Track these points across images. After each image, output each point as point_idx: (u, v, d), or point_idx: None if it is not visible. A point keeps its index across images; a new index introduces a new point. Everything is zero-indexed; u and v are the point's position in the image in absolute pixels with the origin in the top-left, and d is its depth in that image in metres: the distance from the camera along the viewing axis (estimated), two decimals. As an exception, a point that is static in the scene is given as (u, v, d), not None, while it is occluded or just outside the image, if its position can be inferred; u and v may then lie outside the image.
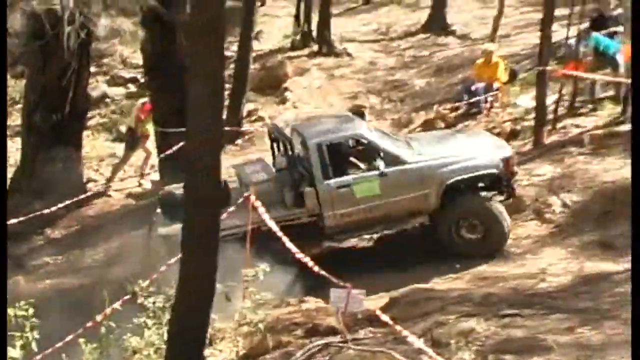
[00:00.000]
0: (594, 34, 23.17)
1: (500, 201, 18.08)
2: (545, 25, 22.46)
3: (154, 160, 23.00)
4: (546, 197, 18.86)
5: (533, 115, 22.32)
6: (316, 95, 26.16)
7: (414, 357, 12.64)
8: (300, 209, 17.07)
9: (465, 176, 17.51)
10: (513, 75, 24.40)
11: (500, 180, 17.85)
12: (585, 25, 24.11)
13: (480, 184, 18.07)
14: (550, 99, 22.52)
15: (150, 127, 22.96)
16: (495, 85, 23.70)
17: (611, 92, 23.25)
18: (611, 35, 23.22)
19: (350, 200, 17.02)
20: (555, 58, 23.46)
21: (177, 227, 15.62)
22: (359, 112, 20.44)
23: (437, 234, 18.00)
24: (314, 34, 29.55)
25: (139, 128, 23.41)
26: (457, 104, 24.25)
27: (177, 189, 17.51)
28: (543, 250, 17.83)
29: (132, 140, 23.55)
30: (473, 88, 23.85)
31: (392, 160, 17.28)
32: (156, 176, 22.90)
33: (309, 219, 17.09)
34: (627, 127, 21.15)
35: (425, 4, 31.98)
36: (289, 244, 15.36)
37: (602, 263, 16.55)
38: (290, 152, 17.71)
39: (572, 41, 23.23)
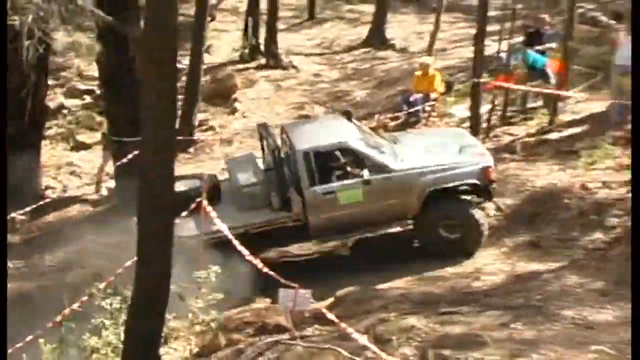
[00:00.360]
0: (527, 49, 23.31)
1: (478, 203, 18.14)
2: (478, 40, 22.65)
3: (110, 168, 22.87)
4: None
5: (468, 124, 22.45)
6: (264, 106, 26.15)
7: (359, 352, 12.70)
8: (286, 213, 17.03)
9: (446, 185, 17.40)
10: (449, 87, 24.55)
11: (479, 188, 17.73)
12: (516, 40, 24.25)
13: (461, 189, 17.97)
14: (484, 109, 22.68)
15: None
16: (433, 95, 23.79)
17: (540, 103, 23.44)
18: (543, 52, 23.33)
19: (335, 206, 16.97)
20: (487, 71, 23.56)
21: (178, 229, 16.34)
22: (347, 112, 19.72)
23: (419, 235, 17.95)
24: (262, 47, 29.53)
25: None
26: (397, 114, 24.32)
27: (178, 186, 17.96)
28: (478, 251, 17.91)
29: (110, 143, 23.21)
30: (412, 99, 23.93)
31: (377, 168, 17.13)
32: (112, 183, 22.79)
33: (295, 222, 17.01)
34: (555, 135, 21.40)
35: (366, 20, 31.98)
36: (240, 247, 15.35)
37: (533, 263, 16.66)
38: (277, 153, 17.42)
39: (503, 55, 23.41)
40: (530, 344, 13.17)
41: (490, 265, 17.11)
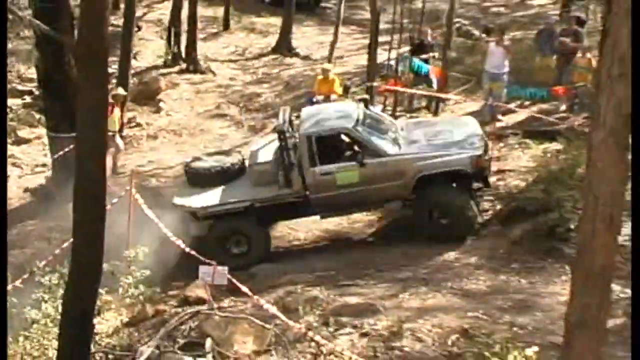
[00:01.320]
0: (413, 58, 23.43)
1: (477, 190, 17.50)
2: (371, 49, 22.71)
3: (48, 159, 22.50)
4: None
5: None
6: (185, 105, 25.91)
7: (269, 321, 12.68)
8: (289, 190, 16.67)
9: (436, 170, 16.55)
10: (346, 89, 24.47)
11: (469, 175, 16.81)
12: (404, 49, 24.36)
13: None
14: (377, 109, 22.70)
15: (114, 125, 22.42)
16: (333, 97, 23.74)
17: (424, 103, 23.60)
18: (426, 60, 23.50)
19: (333, 185, 16.48)
20: (379, 76, 23.58)
21: (187, 200, 17.18)
22: (364, 99, 19.12)
23: (415, 218, 17.07)
24: (183, 54, 29.29)
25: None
26: (300, 112, 24.29)
27: (199, 162, 18.16)
28: (372, 232, 17.90)
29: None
30: (314, 99, 23.85)
31: (373, 152, 16.50)
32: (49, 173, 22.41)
33: (297, 199, 16.68)
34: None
35: (274, 31, 31.86)
36: (165, 230, 15.19)
37: (417, 242, 16.70)
38: (283, 135, 16.82)
39: (392, 62, 23.52)
40: (416, 311, 13.26)
41: (383, 244, 17.08)
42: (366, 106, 18.42)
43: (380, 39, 23.82)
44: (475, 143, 17.06)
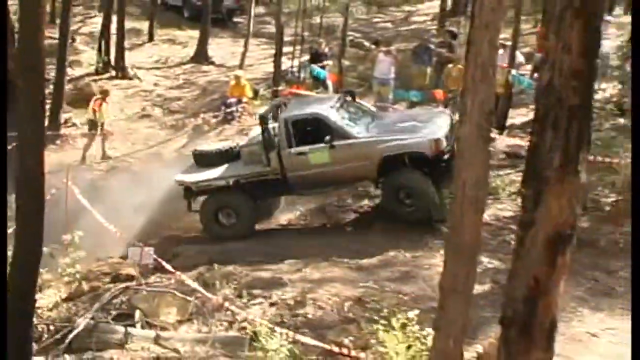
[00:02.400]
0: (312, 65, 23.53)
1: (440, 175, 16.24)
2: (276, 58, 22.73)
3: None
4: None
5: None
6: (115, 108, 25.57)
7: (191, 294, 12.65)
8: (269, 168, 16.37)
9: (397, 152, 15.78)
10: (255, 93, 24.47)
11: (429, 158, 15.82)
12: (305, 58, 24.45)
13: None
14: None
15: (102, 117, 22.45)
16: (244, 100, 23.75)
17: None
18: (323, 67, 23.61)
19: (307, 165, 16.15)
20: (284, 81, 23.61)
21: (185, 177, 17.14)
22: (350, 92, 18.56)
23: (383, 199, 16.57)
24: (112, 63, 28.97)
25: (96, 117, 22.46)
26: (217, 113, 24.24)
27: (204, 147, 18.25)
28: (281, 215, 17.93)
29: (92, 125, 22.54)
30: (228, 102, 23.92)
31: (341, 135, 15.97)
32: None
33: (276, 176, 16.36)
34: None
35: (192, 42, 31.67)
36: (97, 216, 15.04)
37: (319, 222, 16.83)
38: (265, 120, 16.56)
39: (295, 69, 23.62)
40: (317, 283, 13.34)
41: (289, 225, 17.14)
42: (353, 98, 17.98)
43: (285, 49, 24.01)
44: (440, 130, 16.37)
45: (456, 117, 16.80)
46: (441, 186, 16.12)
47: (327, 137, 15.90)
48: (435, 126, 16.49)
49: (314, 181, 16.23)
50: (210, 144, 18.74)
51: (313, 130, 16.24)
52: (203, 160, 17.49)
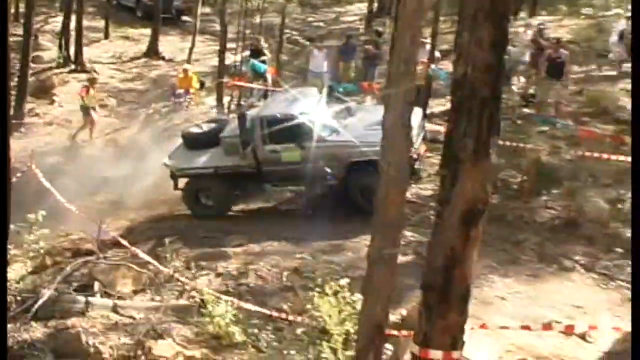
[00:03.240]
0: (253, 60, 23.46)
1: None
2: (221, 53, 22.57)
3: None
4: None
5: (215, 110, 22.41)
6: (74, 99, 25.13)
7: (144, 266, 12.60)
8: (245, 162, 15.76)
9: (363, 159, 14.70)
10: (202, 85, 24.28)
11: None
12: (246, 53, 24.38)
13: None
14: (226, 100, 22.71)
15: (91, 102, 21.91)
16: (191, 91, 23.58)
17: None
18: (264, 61, 23.54)
19: (279, 161, 15.47)
20: (228, 74, 23.44)
21: (171, 161, 16.53)
22: (330, 87, 17.57)
23: (351, 199, 15.29)
24: (72, 58, 28.52)
25: (84, 102, 21.85)
26: (167, 103, 24.10)
27: (194, 129, 17.56)
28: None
29: (84, 110, 21.92)
30: (177, 93, 23.75)
31: (312, 137, 15.20)
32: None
33: (251, 170, 15.74)
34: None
35: (145, 39, 31.33)
36: (59, 197, 14.83)
37: (258, 203, 16.80)
38: (244, 116, 15.95)
39: (238, 64, 23.55)
40: (258, 255, 13.36)
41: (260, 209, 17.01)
42: (332, 91, 17.21)
43: (228, 45, 23.79)
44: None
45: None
46: None
47: (300, 139, 15.27)
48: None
49: (286, 176, 15.63)
50: (202, 125, 17.80)
51: (286, 129, 15.49)
52: (190, 142, 16.94)
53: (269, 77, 23.30)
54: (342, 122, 15.91)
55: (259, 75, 23.31)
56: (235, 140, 15.86)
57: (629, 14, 22.13)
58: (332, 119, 15.85)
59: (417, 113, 15.78)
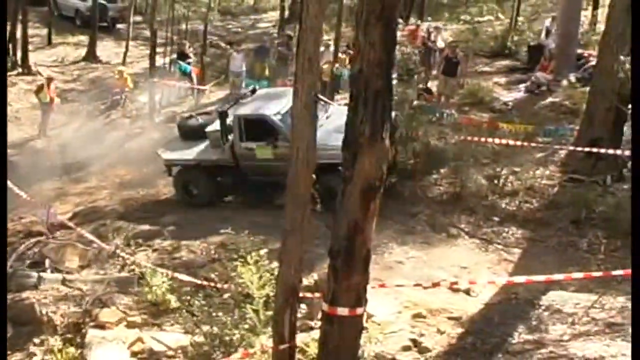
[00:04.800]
0: (179, 62, 23.24)
1: None
2: (151, 56, 22.21)
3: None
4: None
5: (147, 107, 22.11)
6: (22, 98, 24.43)
7: (89, 244, 12.45)
8: (225, 157, 14.89)
9: (329, 161, 12.72)
10: (135, 84, 23.86)
11: None
12: (174, 56, 24.12)
13: None
14: (157, 97, 22.41)
15: (46, 98, 21.55)
16: (126, 90, 23.17)
17: (189, 92, 23.39)
18: (189, 63, 23.31)
19: (255, 158, 14.55)
20: (158, 75, 23.06)
21: (162, 152, 15.75)
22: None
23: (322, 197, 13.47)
24: (19, 62, 27.69)
25: (40, 98, 21.67)
26: (104, 101, 23.69)
27: (189, 119, 16.60)
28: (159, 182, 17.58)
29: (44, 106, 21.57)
30: (113, 92, 23.38)
31: (283, 137, 13.95)
32: None
33: (231, 164, 14.87)
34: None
35: (84, 45, 30.54)
36: (11, 185, 14.45)
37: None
38: (224, 114, 15.01)
39: (167, 65, 23.29)
40: (189, 232, 13.27)
41: (164, 189, 16.82)
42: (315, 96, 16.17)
43: (158, 49, 23.47)
44: None
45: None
46: None
47: (272, 138, 14.37)
48: None
49: (261, 172, 14.63)
50: (196, 116, 16.67)
51: (260, 128, 14.48)
52: (184, 133, 16.09)
53: (194, 76, 23.14)
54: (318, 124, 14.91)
55: (185, 76, 23.12)
56: (218, 134, 15.10)
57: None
58: None
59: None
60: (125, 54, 28.01)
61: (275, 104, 15.13)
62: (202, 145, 15.42)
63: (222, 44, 28.90)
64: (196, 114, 17.04)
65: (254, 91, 16.19)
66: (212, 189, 15.29)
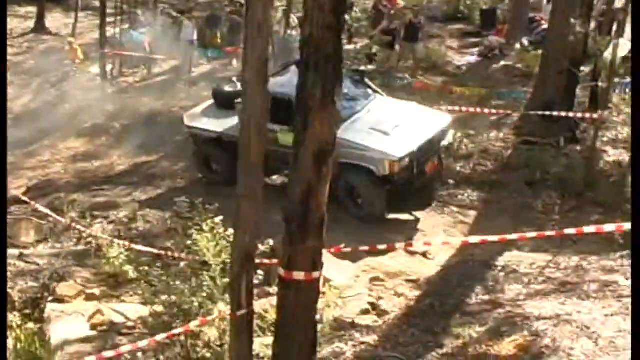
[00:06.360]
0: (132, 32, 22.93)
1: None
2: (102, 27, 21.87)
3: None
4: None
5: (99, 76, 21.78)
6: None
7: (44, 218, 12.40)
8: None
9: (351, 162, 12.23)
10: (86, 55, 23.46)
11: (377, 177, 12.27)
12: (125, 26, 23.75)
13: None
14: (109, 67, 22.07)
15: None
16: (77, 61, 22.79)
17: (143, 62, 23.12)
18: (143, 32, 23.01)
19: (275, 142, 12.05)
20: (109, 45, 22.63)
21: (187, 118, 14.31)
22: (361, 72, 14.51)
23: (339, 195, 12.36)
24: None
25: None
26: (55, 73, 23.26)
27: (225, 87, 14.78)
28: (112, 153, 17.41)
29: None
30: (64, 63, 23.00)
31: None
32: None
33: None
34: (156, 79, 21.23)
35: (32, 16, 29.91)
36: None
37: (142, 156, 16.49)
38: None
39: (118, 35, 23.00)
40: (145, 203, 13.31)
41: (118, 160, 16.68)
42: (362, 78, 14.03)
43: (108, 19, 23.09)
44: (410, 144, 12.42)
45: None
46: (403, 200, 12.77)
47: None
48: (411, 137, 12.63)
49: (281, 159, 11.45)
50: (235, 81, 14.63)
51: (287, 109, 11.47)
52: (217, 99, 14.38)
53: (146, 46, 22.85)
54: (347, 113, 12.60)
55: (137, 46, 22.83)
56: None
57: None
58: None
59: (437, 123, 13.27)
60: (74, 25, 27.45)
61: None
62: (232, 118, 13.28)
63: (174, 13, 28.56)
64: (237, 79, 14.68)
65: (289, 64, 14.11)
66: (234, 167, 13.32)
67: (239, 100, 11.64)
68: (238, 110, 12.41)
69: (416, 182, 12.69)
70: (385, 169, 12.19)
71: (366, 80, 14.14)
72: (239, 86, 13.40)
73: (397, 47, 20.34)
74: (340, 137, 11.19)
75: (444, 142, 13.43)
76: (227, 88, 14.58)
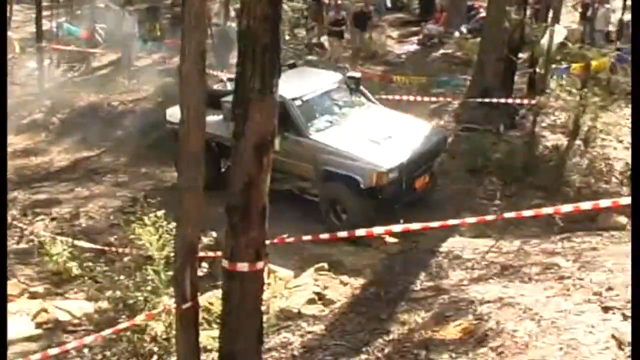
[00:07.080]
0: (68, 25, 22.56)
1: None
2: (38, 20, 21.40)
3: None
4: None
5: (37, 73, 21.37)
6: None
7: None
8: (228, 135, 12.88)
9: (336, 170, 11.66)
10: (22, 49, 22.97)
11: (363, 188, 11.48)
12: (62, 19, 23.36)
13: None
14: (46, 62, 21.70)
15: None
16: (14, 56, 22.32)
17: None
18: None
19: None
20: (46, 38, 22.20)
21: (172, 114, 12.69)
22: (355, 78, 13.53)
23: (320, 202, 12.05)
24: None
25: None
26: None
27: (216, 85, 14.35)
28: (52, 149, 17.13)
29: None
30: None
31: (296, 128, 11.96)
32: None
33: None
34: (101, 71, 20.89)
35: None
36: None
37: (82, 151, 16.31)
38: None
39: (54, 28, 22.62)
40: (88, 199, 13.14)
41: (58, 156, 16.43)
42: (356, 85, 13.39)
43: (45, 13, 22.66)
44: (399, 157, 11.73)
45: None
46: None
47: (283, 127, 11.35)
48: (402, 150, 11.94)
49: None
50: (226, 81, 14.27)
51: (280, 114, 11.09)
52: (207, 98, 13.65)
53: (96, 36, 22.60)
54: (338, 119, 12.61)
55: (75, 39, 22.50)
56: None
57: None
58: (326, 116, 12.63)
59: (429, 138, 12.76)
60: (9, 18, 26.88)
61: (302, 86, 12.79)
62: (217, 116, 12.49)
63: (112, 6, 28.13)
64: (228, 79, 14.34)
65: (292, 65, 13.91)
66: (215, 170, 12.43)
67: (226, 99, 12.14)
68: (224, 108, 12.22)
69: (404, 198, 11.88)
70: (371, 180, 11.41)
71: (361, 88, 13.61)
72: (229, 86, 13.33)
73: (346, 36, 20.55)
74: (325, 144, 11.76)
75: (438, 159, 12.92)
76: (215, 87, 14.08)
